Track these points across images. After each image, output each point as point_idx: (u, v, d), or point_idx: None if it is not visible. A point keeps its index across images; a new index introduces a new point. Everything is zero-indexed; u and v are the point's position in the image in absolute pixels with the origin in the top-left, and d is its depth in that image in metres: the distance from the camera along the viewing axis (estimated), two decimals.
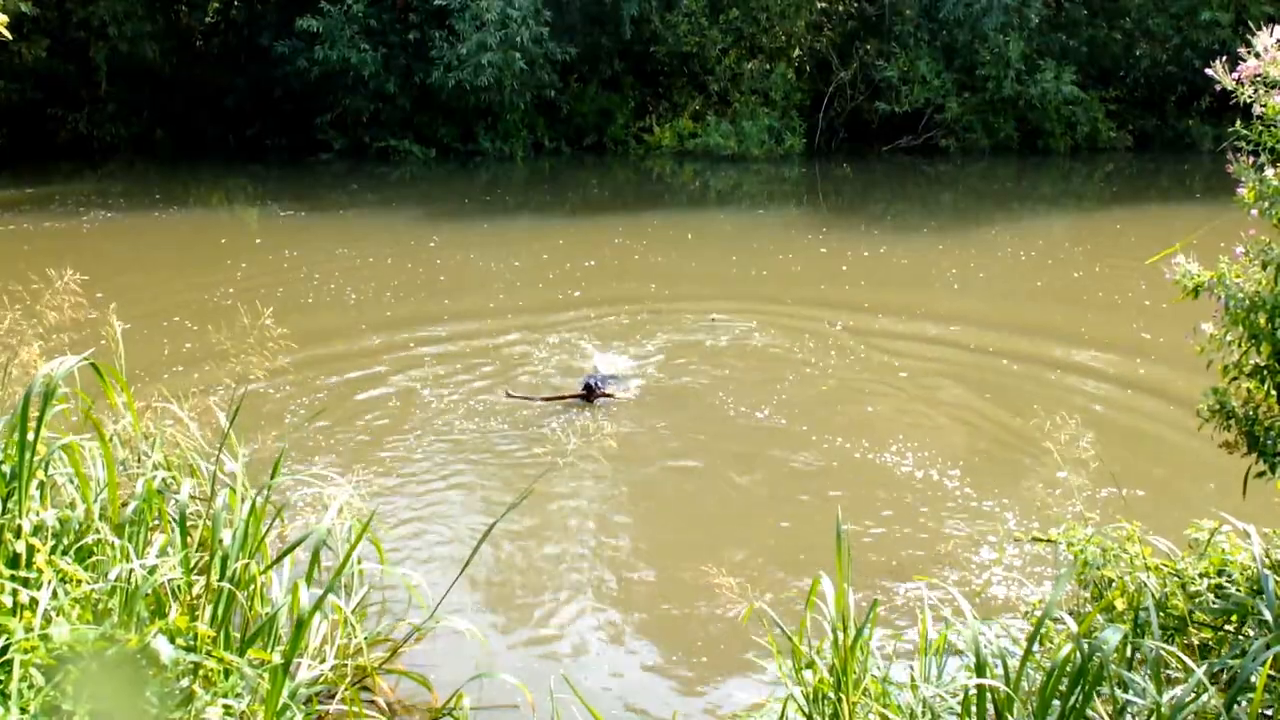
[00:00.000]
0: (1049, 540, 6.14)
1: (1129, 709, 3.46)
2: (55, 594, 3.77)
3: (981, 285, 13.08)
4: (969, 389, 8.79)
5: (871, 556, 5.90)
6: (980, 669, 3.23)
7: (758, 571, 5.84)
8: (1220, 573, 4.12)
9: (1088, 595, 4.48)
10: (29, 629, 3.52)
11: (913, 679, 4.24)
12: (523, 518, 6.20)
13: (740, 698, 4.78)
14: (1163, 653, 3.60)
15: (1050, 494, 6.28)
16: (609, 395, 7.96)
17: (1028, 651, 3.29)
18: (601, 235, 16.75)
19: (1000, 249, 15.68)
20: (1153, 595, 3.96)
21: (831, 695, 4.12)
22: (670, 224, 18.08)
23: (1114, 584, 4.29)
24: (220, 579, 4.08)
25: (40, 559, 3.81)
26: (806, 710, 4.15)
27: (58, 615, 3.66)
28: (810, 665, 4.29)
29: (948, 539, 6.19)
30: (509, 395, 7.86)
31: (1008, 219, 18.85)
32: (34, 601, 3.66)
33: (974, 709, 3.30)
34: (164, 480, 4.95)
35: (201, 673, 3.55)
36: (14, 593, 3.68)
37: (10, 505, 3.87)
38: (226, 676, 3.80)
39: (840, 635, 4.13)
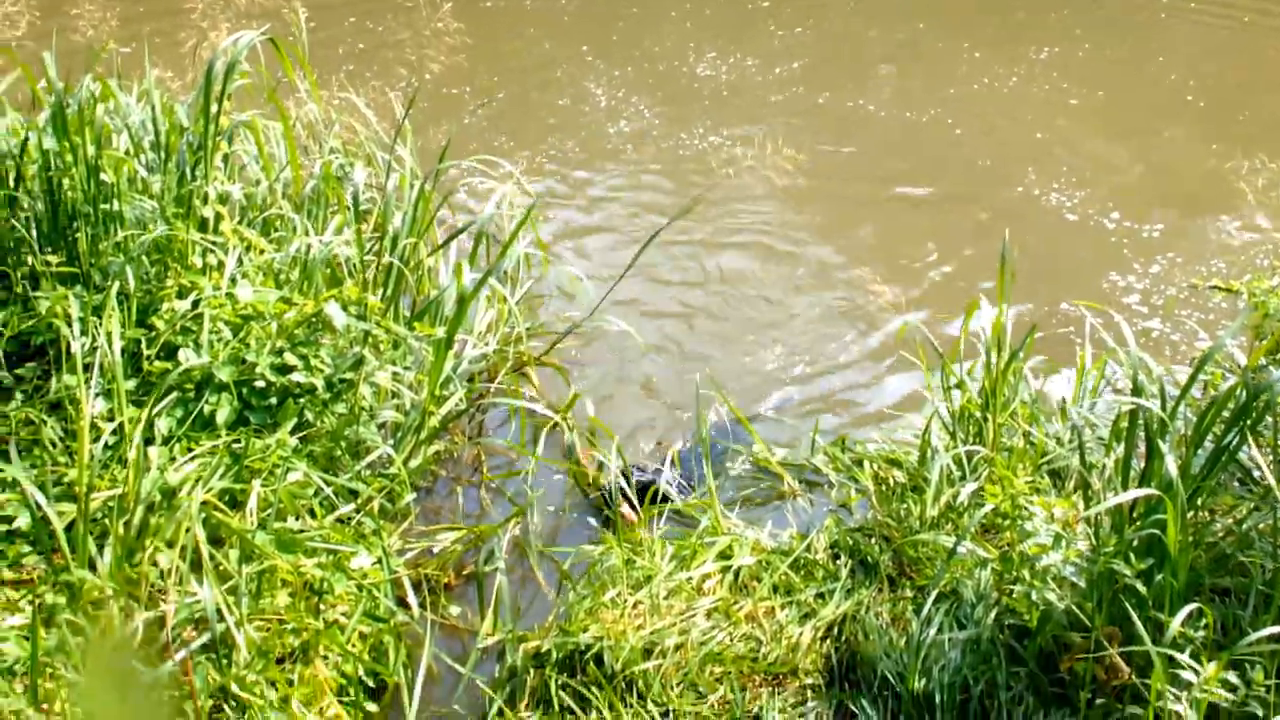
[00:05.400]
0: (1229, 289, 5.84)
1: None
2: (240, 260, 4.03)
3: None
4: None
5: (1037, 285, 5.71)
6: (1137, 394, 3.14)
7: (918, 292, 5.75)
8: None
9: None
10: (217, 288, 3.80)
11: (1063, 403, 4.18)
12: (687, 228, 6.20)
13: (885, 413, 4.83)
14: None
15: (1238, 242, 5.89)
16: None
17: (1188, 384, 3.16)
18: None
19: None
20: None
21: (978, 415, 4.12)
22: None
23: None
24: (390, 255, 4.27)
25: (226, 226, 4.05)
26: (951, 429, 4.17)
27: (242, 279, 3.92)
28: (960, 385, 4.27)
29: (1119, 279, 5.92)
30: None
31: None
32: (221, 264, 3.93)
33: (1124, 433, 3.23)
34: (340, 166, 5.13)
35: (371, 340, 3.78)
36: (204, 254, 3.95)
37: (197, 173, 4.08)
38: (395, 348, 4.05)
39: (994, 357, 4.08)
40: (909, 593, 3.50)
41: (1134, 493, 2.95)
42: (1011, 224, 4.08)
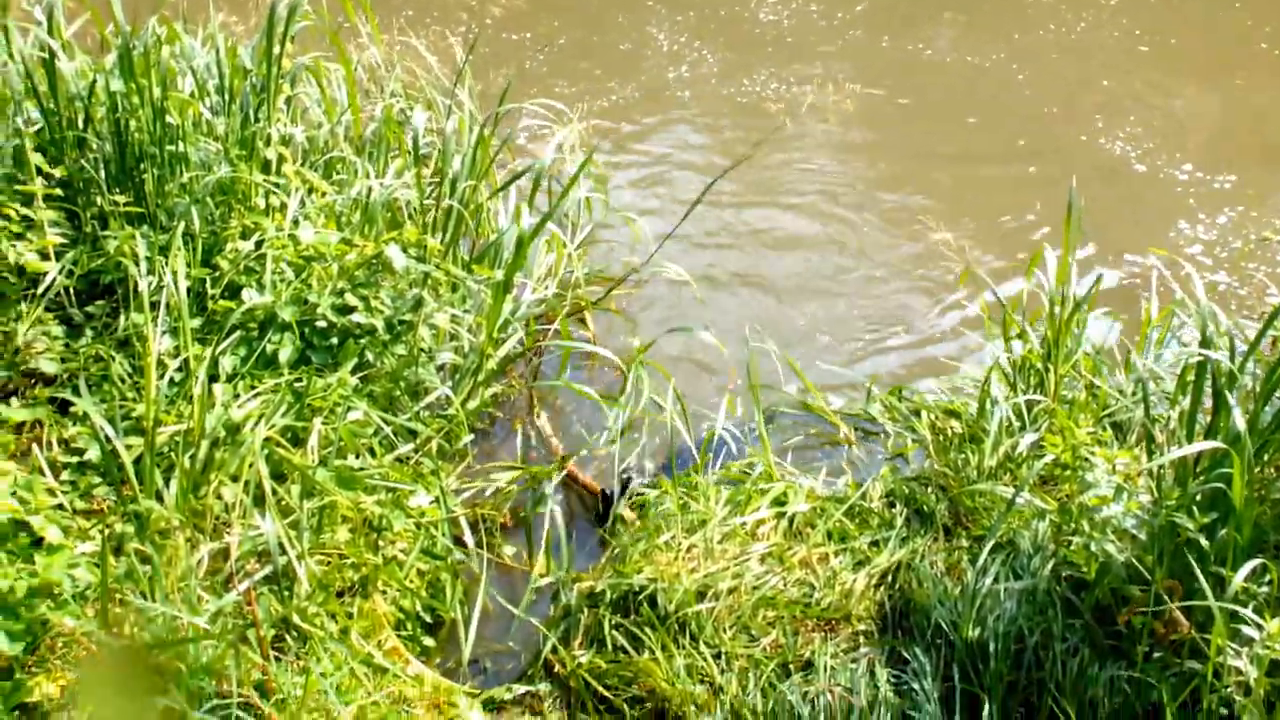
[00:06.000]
0: None
1: None
2: (302, 202, 4.06)
3: None
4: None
5: (1103, 235, 5.59)
6: (1205, 346, 3.07)
7: (980, 241, 5.66)
8: None
9: None
10: (280, 229, 3.84)
11: (1128, 355, 4.10)
12: (746, 175, 6.13)
13: (943, 364, 4.78)
14: None
15: None
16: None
17: (1258, 337, 3.09)
18: None
19: None
20: None
21: (1040, 366, 4.06)
22: None
23: None
24: (449, 198, 4.28)
25: (288, 168, 4.08)
26: (1011, 379, 4.12)
27: (304, 220, 3.96)
28: (1021, 335, 4.21)
29: (1187, 230, 5.78)
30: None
31: None
32: (284, 205, 3.96)
33: (1191, 386, 3.16)
34: (401, 110, 5.15)
35: (430, 283, 3.81)
36: (267, 195, 3.99)
37: (260, 116, 4.12)
38: (454, 290, 4.07)
39: (1058, 307, 4.01)
40: (964, 542, 3.48)
41: (1200, 445, 2.89)
42: (1078, 173, 3.99)
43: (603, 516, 3.86)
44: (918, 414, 4.29)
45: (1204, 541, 2.81)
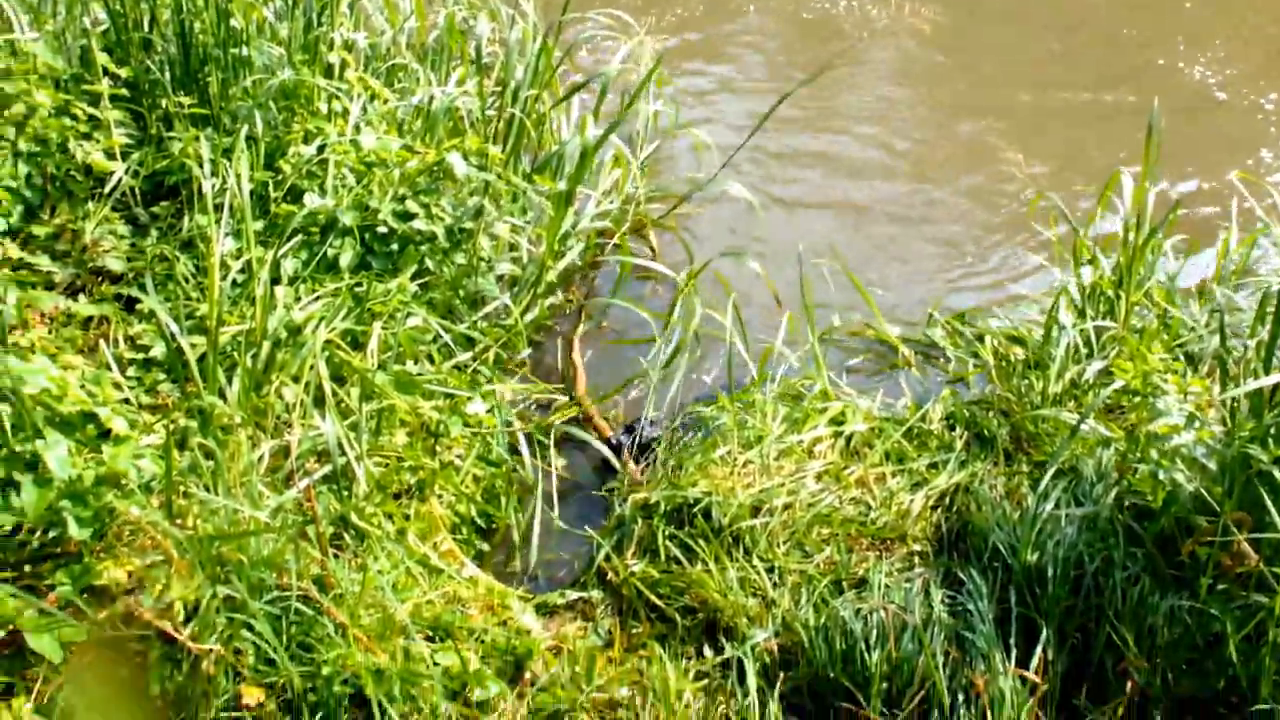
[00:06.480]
0: None
1: None
2: (364, 108, 4.04)
3: None
4: None
5: (1181, 162, 5.40)
6: None
7: (1054, 166, 5.50)
8: None
9: None
10: (342, 134, 3.82)
11: (1203, 283, 3.99)
12: (814, 96, 5.99)
13: (1010, 289, 4.67)
14: None
15: None
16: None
17: None
18: None
19: None
20: None
21: (1110, 293, 3.96)
22: None
23: None
24: (511, 107, 4.23)
25: (351, 74, 4.05)
26: (1080, 305, 4.02)
27: (366, 126, 3.93)
28: (1092, 261, 4.10)
29: (1269, 158, 5.57)
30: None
31: None
32: (346, 111, 3.94)
33: (1270, 316, 3.05)
34: (464, 18, 5.07)
35: (491, 192, 3.78)
36: (330, 100, 3.97)
37: (323, 20, 4.08)
38: (515, 201, 4.04)
39: (1132, 233, 3.89)
40: (1025, 468, 3.42)
41: (1278, 376, 2.81)
42: (1157, 98, 3.84)
43: (610, 466, 3.60)
44: (980, 339, 4.21)
45: (1277, 474, 2.73)
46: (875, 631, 2.79)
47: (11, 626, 2.26)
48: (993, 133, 5.81)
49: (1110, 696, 2.82)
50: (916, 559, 3.13)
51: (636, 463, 3.62)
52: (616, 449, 3.63)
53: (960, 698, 2.72)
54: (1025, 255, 4.88)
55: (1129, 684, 2.79)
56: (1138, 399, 3.37)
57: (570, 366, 4.08)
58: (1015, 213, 5.16)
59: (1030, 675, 2.72)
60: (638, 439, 3.68)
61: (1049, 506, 3.07)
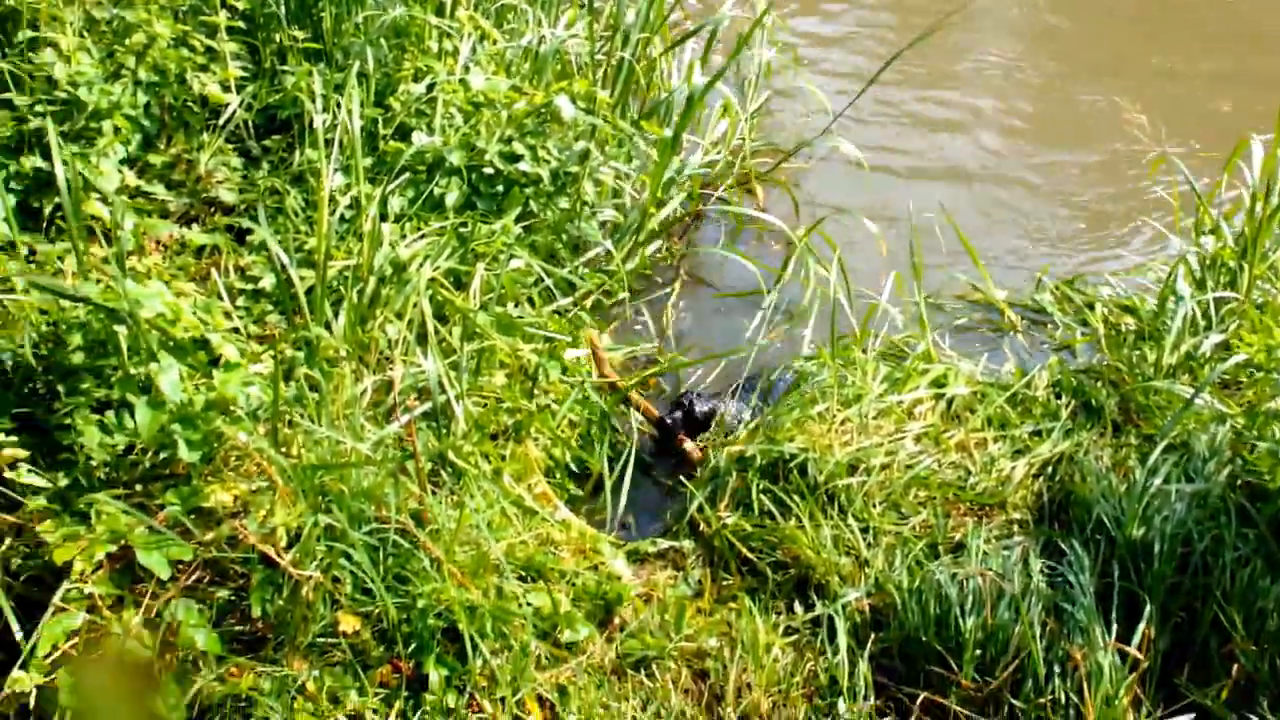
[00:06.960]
0: None
1: None
2: (473, 49, 4.03)
3: None
4: None
5: None
6: None
7: (1178, 131, 5.28)
8: None
9: None
10: (451, 73, 3.82)
11: None
12: (928, 53, 5.81)
13: (1126, 257, 4.52)
14: None
15: None
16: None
17: None
18: None
19: None
20: None
21: (1233, 265, 3.80)
22: None
23: None
24: (621, 51, 4.19)
25: (461, 13, 4.04)
26: (1199, 275, 3.87)
27: (475, 66, 3.93)
28: (1215, 231, 3.94)
29: None
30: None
31: None
32: (456, 50, 3.94)
33: None
34: None
35: (597, 136, 3.75)
36: (440, 38, 3.97)
37: None
38: (620, 147, 4.01)
39: (1259, 202, 3.72)
40: (1133, 440, 3.32)
41: None
42: None
43: (664, 448, 3.54)
44: (1090, 306, 4.09)
45: None
46: (971, 598, 2.74)
47: (123, 542, 2.33)
48: (1112, 96, 5.60)
49: (1213, 679, 2.74)
50: (1015, 527, 3.06)
51: (692, 438, 3.53)
52: (669, 428, 3.53)
53: (1056, 669, 2.66)
54: (1142, 223, 4.71)
55: (1234, 667, 2.71)
56: (1259, 374, 3.24)
57: (592, 348, 3.62)
58: (1133, 178, 4.98)
59: (1132, 650, 2.65)
60: (690, 414, 3.55)
61: (1157, 481, 2.97)
